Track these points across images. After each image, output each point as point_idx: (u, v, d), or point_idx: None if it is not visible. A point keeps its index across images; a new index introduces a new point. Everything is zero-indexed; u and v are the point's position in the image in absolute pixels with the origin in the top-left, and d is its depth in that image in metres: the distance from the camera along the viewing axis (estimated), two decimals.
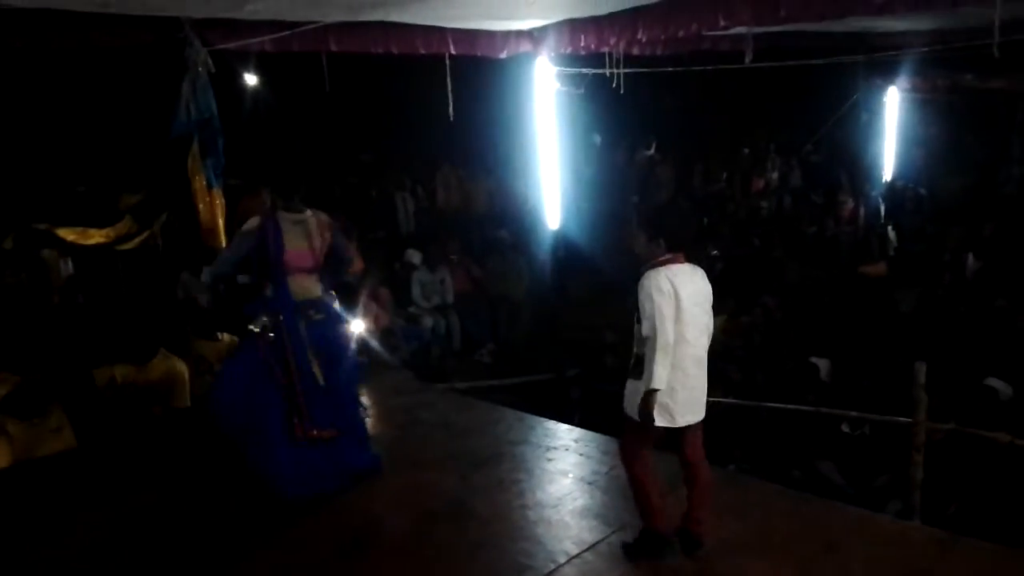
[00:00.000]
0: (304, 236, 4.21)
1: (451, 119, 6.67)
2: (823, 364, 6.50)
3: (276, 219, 4.18)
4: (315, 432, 4.20)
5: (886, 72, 10.75)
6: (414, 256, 9.06)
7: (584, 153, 11.49)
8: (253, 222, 4.15)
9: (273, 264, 4.13)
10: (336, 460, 4.27)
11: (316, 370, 4.20)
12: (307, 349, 4.18)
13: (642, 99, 12.87)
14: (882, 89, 11.19)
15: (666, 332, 3.32)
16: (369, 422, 5.46)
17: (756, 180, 12.33)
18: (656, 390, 3.35)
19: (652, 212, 3.80)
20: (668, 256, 3.41)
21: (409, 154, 11.40)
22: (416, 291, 8.86)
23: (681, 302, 3.36)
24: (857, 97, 11.55)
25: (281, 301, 4.19)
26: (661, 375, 3.33)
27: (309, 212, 4.30)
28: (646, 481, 3.55)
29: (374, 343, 6.79)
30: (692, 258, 3.50)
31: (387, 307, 8.40)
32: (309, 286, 4.25)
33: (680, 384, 3.43)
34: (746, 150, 12.96)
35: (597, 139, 12.01)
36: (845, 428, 5.62)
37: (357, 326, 6.44)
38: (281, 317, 4.17)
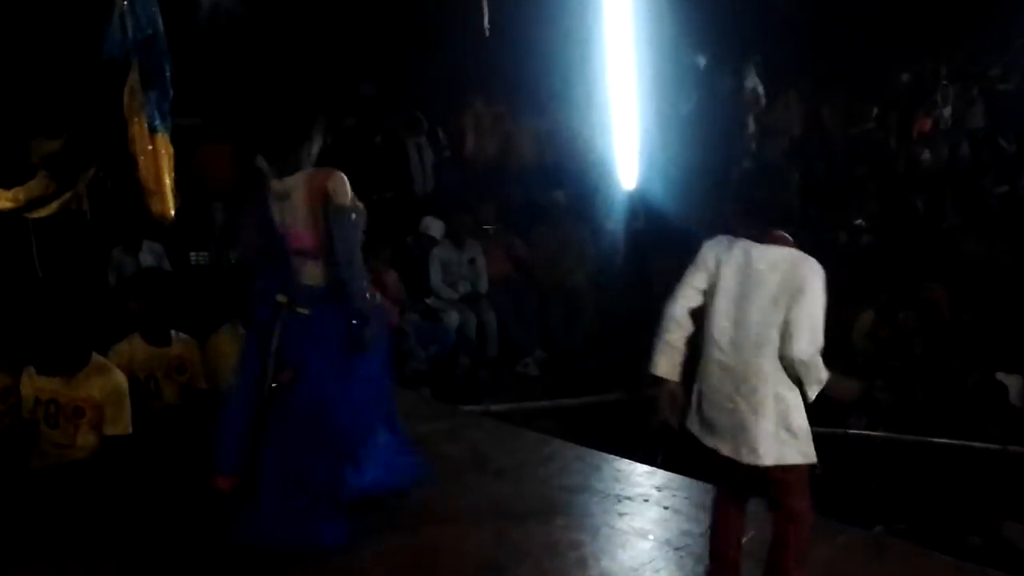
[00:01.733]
0: (287, 211, 4.43)
1: (486, 34, 6.67)
2: (1014, 382, 6.41)
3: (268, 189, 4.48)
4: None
5: None
6: (434, 226, 9.12)
7: (677, 82, 11.41)
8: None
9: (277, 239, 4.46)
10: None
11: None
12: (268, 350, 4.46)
13: (758, 3, 12.81)
14: None
15: (673, 300, 3.59)
16: None
17: (921, 119, 12.25)
18: (658, 378, 3.61)
19: (741, 178, 3.85)
20: (754, 232, 3.55)
21: (427, 85, 11.44)
22: (436, 276, 8.94)
23: (720, 281, 3.52)
24: None
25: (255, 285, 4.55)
26: (655, 356, 3.60)
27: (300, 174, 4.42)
28: (714, 533, 3.77)
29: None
30: (802, 243, 3.56)
31: (396, 298, 8.47)
32: (304, 268, 4.49)
33: (705, 391, 3.59)
34: (906, 75, 12.80)
35: (702, 61, 11.92)
36: None
37: None
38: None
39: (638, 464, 5.29)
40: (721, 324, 3.52)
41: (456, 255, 9.00)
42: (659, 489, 5.01)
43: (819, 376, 3.44)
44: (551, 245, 9.45)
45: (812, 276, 3.43)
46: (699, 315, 3.60)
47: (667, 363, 3.59)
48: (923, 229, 9.58)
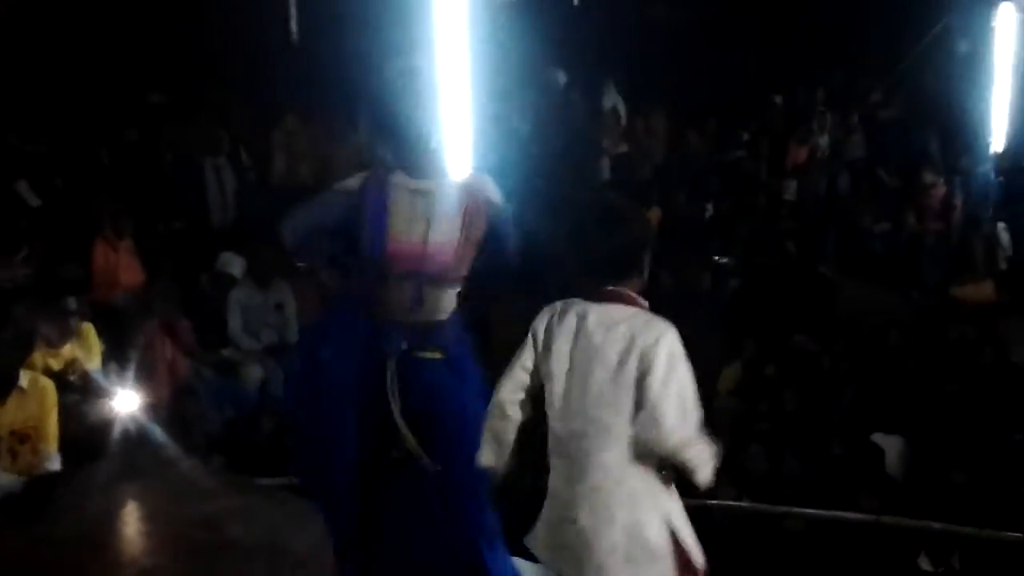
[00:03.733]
0: (416, 216, 3.94)
1: (294, 40, 6.61)
2: (892, 445, 6.61)
3: (386, 182, 3.94)
4: None
5: None
6: (233, 264, 8.97)
7: (520, 99, 11.53)
8: (349, 181, 4.00)
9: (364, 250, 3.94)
10: None
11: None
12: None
13: (617, 11, 13.08)
14: (989, 5, 11.50)
15: (499, 383, 3.43)
16: (146, 544, 5.32)
17: (795, 148, 12.56)
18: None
19: (576, 223, 3.61)
20: (590, 292, 3.35)
21: (228, 95, 11.29)
22: (236, 322, 8.82)
23: (552, 357, 3.31)
24: (950, 18, 11.85)
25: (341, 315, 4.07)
26: (482, 448, 3.46)
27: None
28: None
29: (156, 413, 6.63)
30: (654, 293, 3.42)
31: (186, 349, 8.28)
32: (403, 299, 4.00)
33: (548, 499, 3.35)
34: (779, 99, 13.19)
35: (561, 78, 12.07)
36: (924, 563, 5.72)
37: (125, 396, 6.36)
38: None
39: None
40: (555, 410, 3.29)
41: (260, 298, 8.85)
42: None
43: (705, 456, 3.16)
44: None
45: (664, 338, 3.18)
46: (536, 400, 3.39)
47: (493, 455, 3.42)
48: (796, 272, 9.85)
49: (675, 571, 3.22)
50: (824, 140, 12.59)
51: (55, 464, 5.80)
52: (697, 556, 3.26)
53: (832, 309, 9.38)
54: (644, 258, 3.36)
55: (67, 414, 6.27)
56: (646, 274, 3.37)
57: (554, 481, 3.32)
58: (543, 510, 3.34)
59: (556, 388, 3.29)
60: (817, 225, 11.09)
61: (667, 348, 3.17)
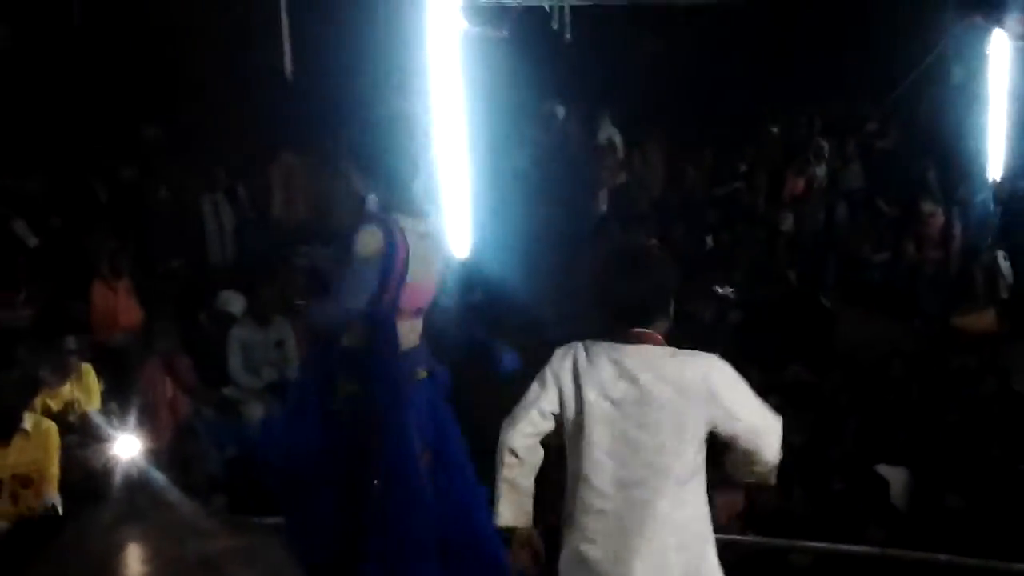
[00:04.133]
0: (428, 258, 4.25)
1: (289, 76, 6.66)
2: (896, 476, 6.58)
3: (400, 231, 4.09)
4: None
5: (990, 5, 11.10)
6: (233, 302, 8.96)
7: (516, 133, 11.57)
8: (372, 239, 4.02)
9: (385, 300, 4.10)
10: None
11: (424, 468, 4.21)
12: (414, 437, 4.18)
13: (609, 45, 13.14)
14: (984, 32, 11.55)
15: (511, 427, 3.37)
16: None
17: (792, 178, 12.59)
18: (507, 527, 3.43)
19: (599, 268, 3.61)
20: (619, 335, 3.34)
21: (224, 131, 11.32)
22: (236, 360, 8.79)
23: (586, 405, 3.27)
24: (944, 47, 11.90)
25: (383, 356, 4.14)
26: (497, 502, 3.40)
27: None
28: None
29: (156, 453, 6.61)
30: (682, 337, 3.43)
31: (186, 388, 8.26)
32: (413, 330, 4.34)
33: (583, 548, 3.29)
34: (775, 129, 13.23)
35: (560, 110, 12.11)
36: None
37: (125, 437, 6.34)
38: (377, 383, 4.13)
39: None
40: (598, 460, 3.25)
41: (260, 336, 8.83)
42: None
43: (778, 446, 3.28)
44: None
45: (715, 367, 3.25)
46: (547, 443, 3.40)
47: (512, 509, 3.37)
48: (796, 303, 9.85)
49: None
50: (822, 170, 12.60)
51: (54, 502, 5.79)
52: None
53: (832, 339, 9.36)
54: (671, 301, 3.39)
55: (67, 456, 6.26)
56: (671, 317, 3.39)
57: (593, 532, 3.26)
58: (577, 561, 3.29)
59: (599, 436, 3.25)
60: (816, 255, 11.10)
61: (723, 376, 3.26)
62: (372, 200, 4.23)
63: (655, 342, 3.31)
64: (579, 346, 3.36)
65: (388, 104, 4.45)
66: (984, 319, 9.61)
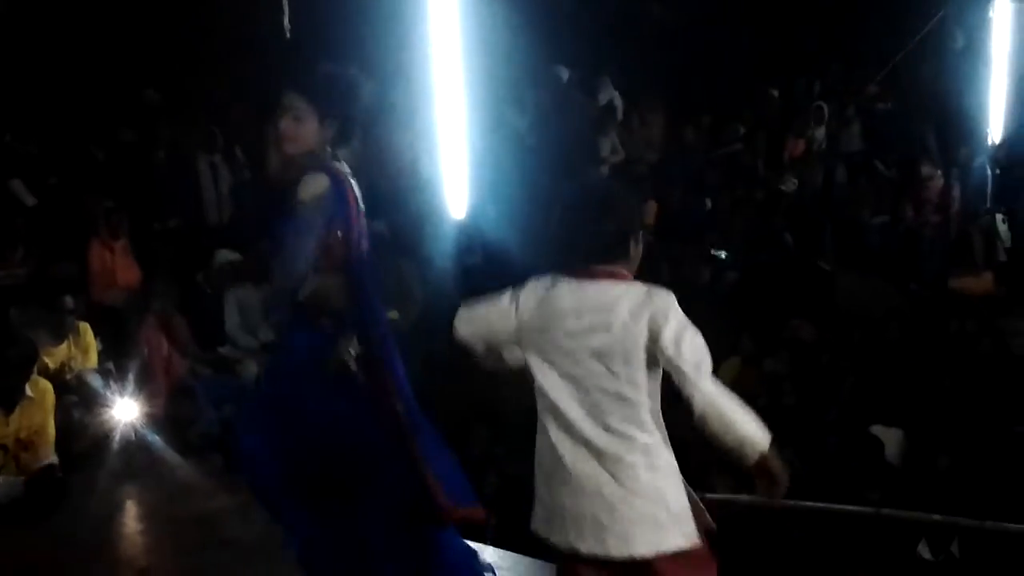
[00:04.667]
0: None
1: (287, 35, 6.62)
2: (891, 437, 6.62)
3: (342, 171, 3.91)
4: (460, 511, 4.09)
5: None
6: (229, 261, 8.92)
7: (513, 93, 11.53)
8: (318, 182, 3.83)
9: (351, 250, 3.92)
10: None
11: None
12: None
13: (610, 8, 13.08)
14: None
15: (459, 325, 3.56)
16: (145, 543, 5.34)
17: (792, 141, 12.56)
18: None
19: (563, 206, 3.65)
20: (579, 269, 3.37)
21: (221, 93, 11.28)
22: (233, 320, 8.80)
23: (549, 333, 3.33)
24: (946, 10, 11.86)
25: (369, 312, 3.97)
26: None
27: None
28: None
29: (153, 412, 6.64)
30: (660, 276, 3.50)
31: (183, 347, 8.28)
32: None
33: (554, 473, 3.35)
34: (775, 92, 13.19)
35: (564, 73, 12.07)
36: (924, 552, 5.72)
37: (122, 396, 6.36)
38: (372, 341, 3.95)
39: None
40: (560, 390, 3.30)
41: (257, 295, 8.82)
42: (488, 571, 4.97)
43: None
44: None
45: (672, 305, 3.25)
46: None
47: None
48: (793, 266, 9.85)
49: (697, 532, 3.28)
50: (821, 133, 12.55)
51: (54, 461, 5.82)
52: (707, 516, 3.35)
53: (830, 302, 9.37)
54: (630, 243, 3.38)
55: (65, 415, 6.29)
56: (632, 260, 3.39)
57: (566, 457, 3.30)
58: (545, 488, 3.35)
59: (560, 367, 3.30)
60: (815, 218, 11.08)
61: (676, 313, 3.22)
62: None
63: (620, 277, 3.34)
64: (546, 279, 3.40)
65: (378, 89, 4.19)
66: (982, 282, 9.61)
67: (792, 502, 5.92)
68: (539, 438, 3.38)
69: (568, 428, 3.30)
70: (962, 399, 7.39)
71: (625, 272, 3.37)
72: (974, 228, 10.57)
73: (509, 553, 5.12)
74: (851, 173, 12.18)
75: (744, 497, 6.11)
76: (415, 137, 9.68)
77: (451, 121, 7.86)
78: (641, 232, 3.48)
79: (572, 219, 3.43)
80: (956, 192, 11.14)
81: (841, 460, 6.60)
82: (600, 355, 3.26)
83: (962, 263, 10.05)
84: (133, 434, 6.36)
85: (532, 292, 3.40)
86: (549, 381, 3.32)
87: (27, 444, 5.77)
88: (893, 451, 6.67)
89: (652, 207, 10.91)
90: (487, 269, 9.43)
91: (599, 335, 3.26)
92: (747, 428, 3.25)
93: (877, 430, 6.80)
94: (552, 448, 3.32)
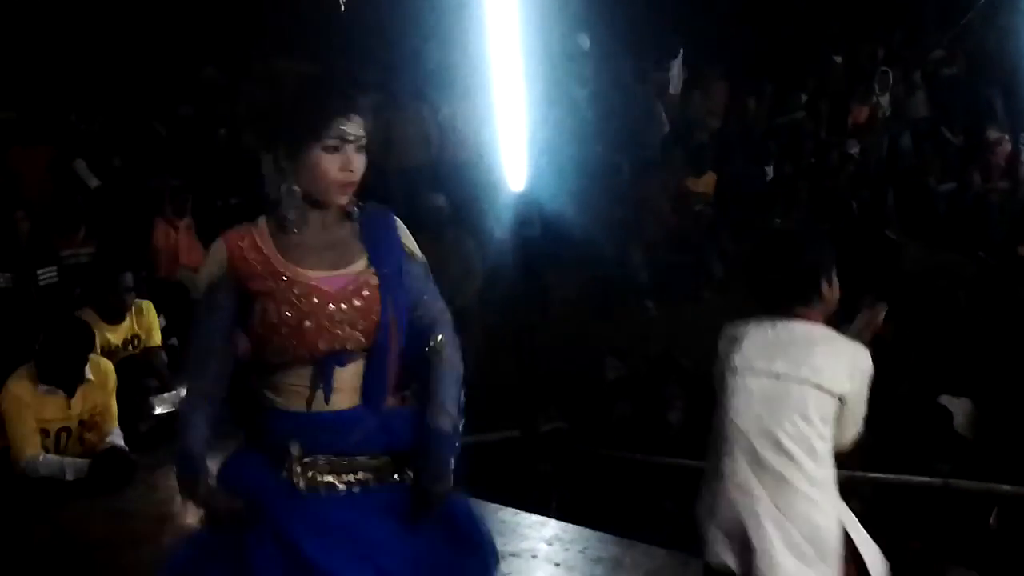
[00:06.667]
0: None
1: (341, 8, 6.63)
2: (960, 407, 6.54)
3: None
4: None
5: None
6: None
7: (567, 67, 11.50)
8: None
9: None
10: None
11: None
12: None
13: None
14: None
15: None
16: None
17: (856, 108, 12.47)
18: None
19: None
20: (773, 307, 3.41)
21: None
22: None
23: (737, 374, 3.36)
24: None
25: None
26: None
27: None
28: None
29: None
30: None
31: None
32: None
33: (723, 482, 3.36)
34: (839, 59, 13.04)
35: (585, 42, 12.04)
36: (993, 521, 5.66)
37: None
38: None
39: (525, 514, 5.26)
40: (747, 407, 3.35)
41: None
42: (549, 543, 4.98)
43: None
44: (432, 258, 9.37)
45: (859, 358, 3.35)
46: None
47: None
48: (859, 235, 9.75)
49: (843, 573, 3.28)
50: (886, 99, 12.48)
51: (118, 440, 5.90)
52: (874, 560, 3.32)
53: (898, 271, 9.27)
54: (821, 282, 3.36)
55: (141, 397, 6.39)
56: (827, 298, 3.37)
57: (732, 469, 3.32)
58: (717, 511, 3.34)
59: (750, 385, 3.32)
60: (880, 186, 10.97)
61: (862, 367, 3.32)
62: None
63: (813, 319, 3.34)
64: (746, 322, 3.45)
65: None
66: None
67: (859, 473, 5.89)
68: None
69: (740, 445, 3.31)
70: None
71: (819, 316, 3.37)
72: None
73: (571, 526, 5.15)
74: (917, 140, 12.08)
75: None
76: (474, 109, 9.67)
77: (509, 93, 7.82)
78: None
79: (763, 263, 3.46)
80: None
81: (910, 430, 6.52)
82: (799, 392, 3.28)
83: None
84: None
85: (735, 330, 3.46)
86: (729, 418, 3.34)
87: (91, 425, 5.88)
88: (962, 421, 6.59)
89: (711, 179, 10.87)
90: (544, 241, 9.44)
91: (800, 372, 3.29)
92: None
93: (945, 400, 6.72)
94: (724, 459, 3.34)
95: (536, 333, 8.82)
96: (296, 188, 2.74)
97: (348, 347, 2.72)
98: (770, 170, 11.38)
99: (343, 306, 2.72)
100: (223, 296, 2.76)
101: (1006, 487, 5.47)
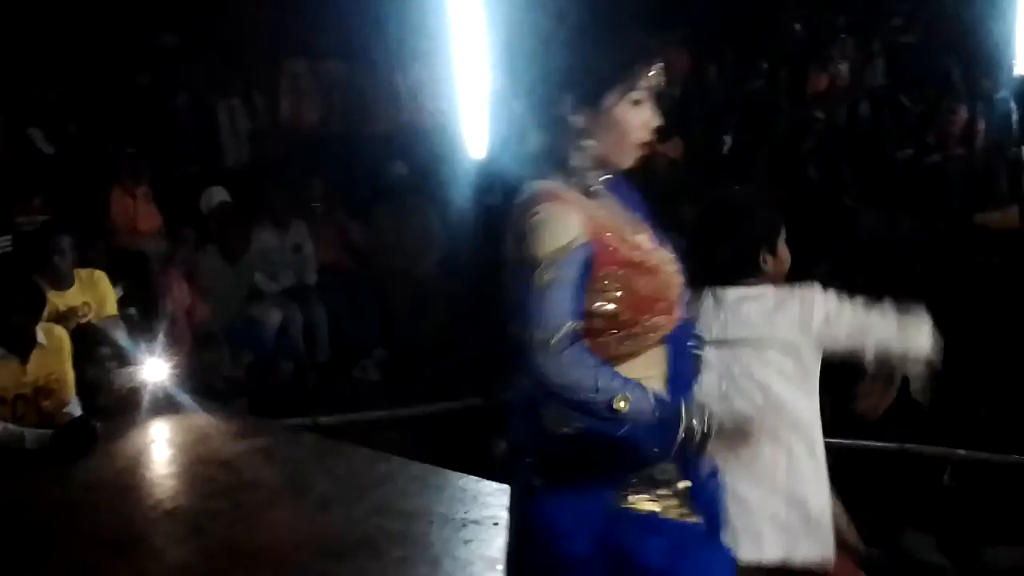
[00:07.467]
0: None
1: None
2: (915, 372, 6.60)
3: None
4: None
5: None
6: (220, 195, 8.99)
7: (532, 30, 11.44)
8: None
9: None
10: None
11: None
12: None
13: None
14: None
15: None
16: (172, 486, 5.41)
17: (815, 76, 12.46)
18: None
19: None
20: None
21: (240, 37, 11.24)
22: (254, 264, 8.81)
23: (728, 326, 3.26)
24: None
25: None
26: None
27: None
28: None
29: (174, 359, 6.67)
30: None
31: (205, 293, 8.34)
32: None
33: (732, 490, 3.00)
34: (798, 26, 13.06)
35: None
36: (948, 479, 5.74)
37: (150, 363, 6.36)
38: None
39: (487, 482, 5.24)
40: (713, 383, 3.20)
41: (277, 240, 8.87)
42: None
43: None
44: (392, 226, 9.38)
45: (816, 294, 3.39)
46: None
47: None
48: (816, 202, 9.79)
49: (834, 547, 3.22)
50: (845, 67, 12.47)
51: (76, 410, 5.86)
52: (853, 536, 3.36)
53: (854, 238, 9.32)
54: (760, 255, 3.37)
55: (98, 367, 6.33)
56: (770, 271, 3.38)
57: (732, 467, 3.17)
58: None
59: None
60: (837, 153, 11.00)
61: (821, 298, 3.33)
62: None
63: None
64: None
65: None
66: (1008, 217, 9.51)
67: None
68: None
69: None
70: (987, 334, 7.36)
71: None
72: (1000, 161, 10.46)
73: None
74: (875, 108, 12.09)
75: None
76: (434, 76, 9.63)
77: (469, 59, 7.80)
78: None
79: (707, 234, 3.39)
80: (981, 126, 11.04)
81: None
82: (763, 352, 3.30)
83: (988, 197, 9.97)
84: (159, 380, 6.39)
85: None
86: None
87: (47, 393, 5.83)
88: (916, 386, 6.66)
89: (677, 146, 10.87)
90: (506, 209, 9.41)
91: (760, 336, 3.31)
92: None
93: None
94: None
95: (494, 302, 8.86)
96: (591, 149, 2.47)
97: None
98: (728, 139, 11.38)
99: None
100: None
101: (961, 451, 5.55)
